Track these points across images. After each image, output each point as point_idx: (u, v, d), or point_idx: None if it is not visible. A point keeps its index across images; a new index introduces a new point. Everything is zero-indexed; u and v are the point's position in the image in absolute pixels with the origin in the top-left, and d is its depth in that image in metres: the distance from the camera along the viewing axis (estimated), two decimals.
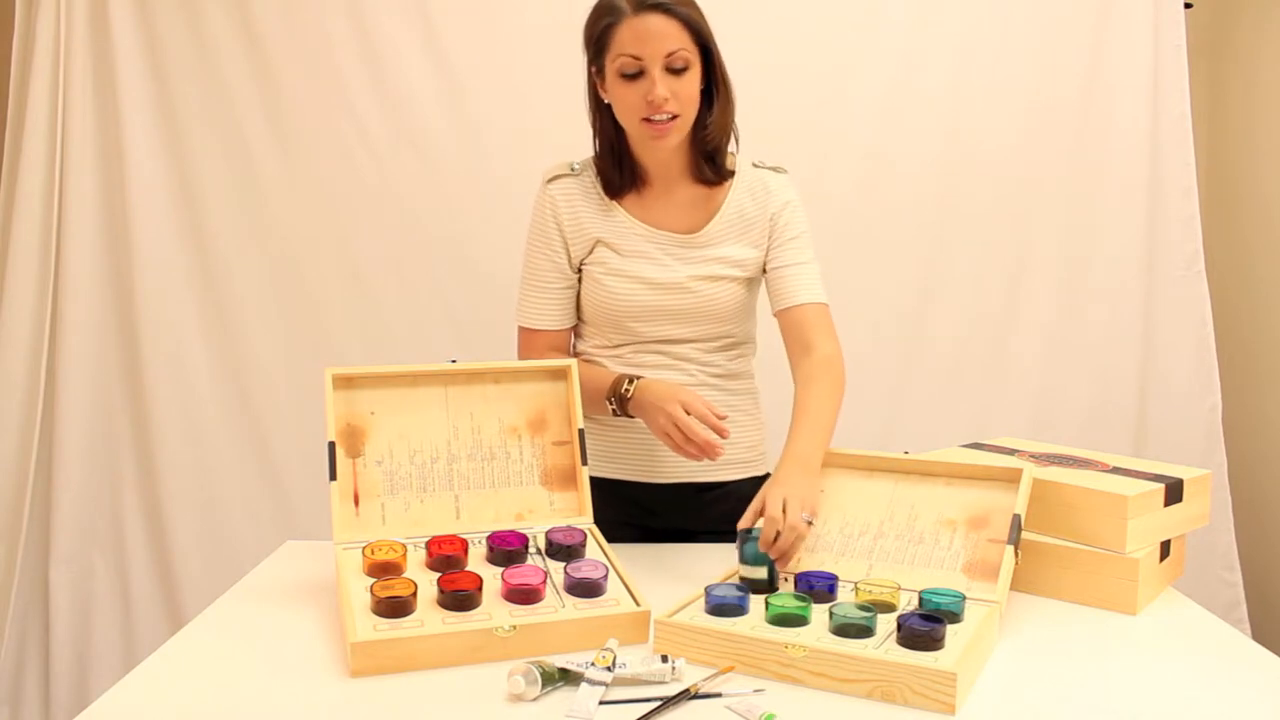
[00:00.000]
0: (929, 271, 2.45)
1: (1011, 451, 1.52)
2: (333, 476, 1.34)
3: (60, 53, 2.25)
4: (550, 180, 1.60)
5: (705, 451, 1.41)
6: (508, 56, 2.33)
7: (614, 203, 1.58)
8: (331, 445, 1.35)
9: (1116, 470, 1.42)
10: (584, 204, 1.58)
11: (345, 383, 1.38)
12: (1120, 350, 2.48)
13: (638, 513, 1.62)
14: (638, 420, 1.53)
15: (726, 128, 1.56)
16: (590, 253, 1.58)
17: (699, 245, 1.58)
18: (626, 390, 1.50)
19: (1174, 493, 1.37)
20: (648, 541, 1.59)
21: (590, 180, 1.59)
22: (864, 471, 1.46)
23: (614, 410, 1.52)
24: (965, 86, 2.41)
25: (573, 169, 1.60)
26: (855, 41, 2.38)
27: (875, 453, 1.46)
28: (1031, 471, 1.35)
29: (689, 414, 1.41)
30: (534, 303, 1.62)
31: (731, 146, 1.60)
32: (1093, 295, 2.47)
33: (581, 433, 1.44)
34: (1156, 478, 1.38)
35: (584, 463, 1.44)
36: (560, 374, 1.47)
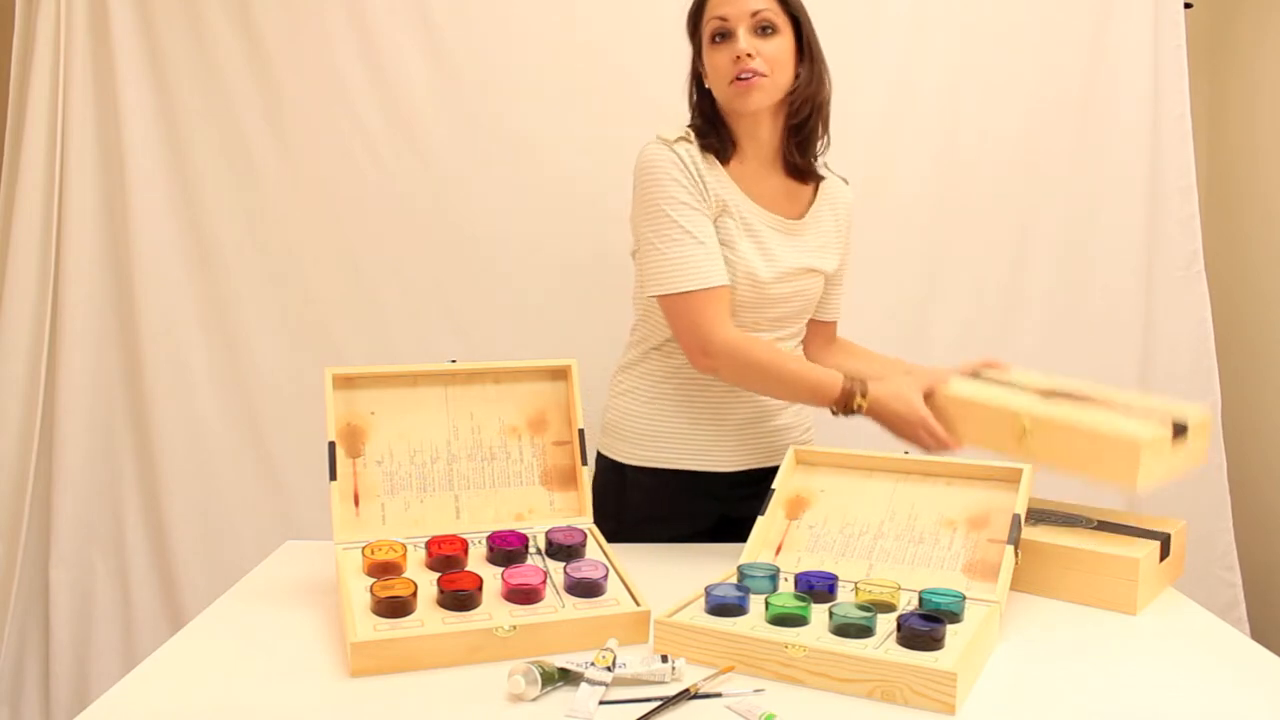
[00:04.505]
0: (928, 271, 2.45)
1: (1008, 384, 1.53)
2: (333, 476, 1.34)
3: (60, 53, 2.24)
4: (675, 140, 1.57)
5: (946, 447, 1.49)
6: (508, 56, 2.33)
7: (726, 175, 1.59)
8: (331, 445, 1.35)
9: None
10: (704, 168, 1.57)
11: (345, 383, 1.38)
12: (1119, 350, 2.48)
13: (708, 502, 1.66)
14: (716, 414, 1.64)
15: (814, 99, 1.59)
16: (717, 218, 1.57)
17: (799, 233, 1.64)
18: (859, 405, 1.53)
19: (1180, 432, 1.36)
20: (719, 530, 1.64)
21: (697, 149, 1.59)
22: (864, 471, 1.46)
23: (835, 411, 1.56)
24: (965, 86, 2.41)
25: (685, 133, 1.59)
26: (855, 41, 2.38)
27: (875, 453, 1.46)
28: (1031, 471, 1.35)
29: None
30: (702, 259, 1.51)
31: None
32: (1092, 295, 2.47)
33: (581, 432, 1.44)
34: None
35: (584, 463, 1.44)
36: (560, 374, 1.47)
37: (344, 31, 2.31)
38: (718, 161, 1.59)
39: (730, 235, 1.56)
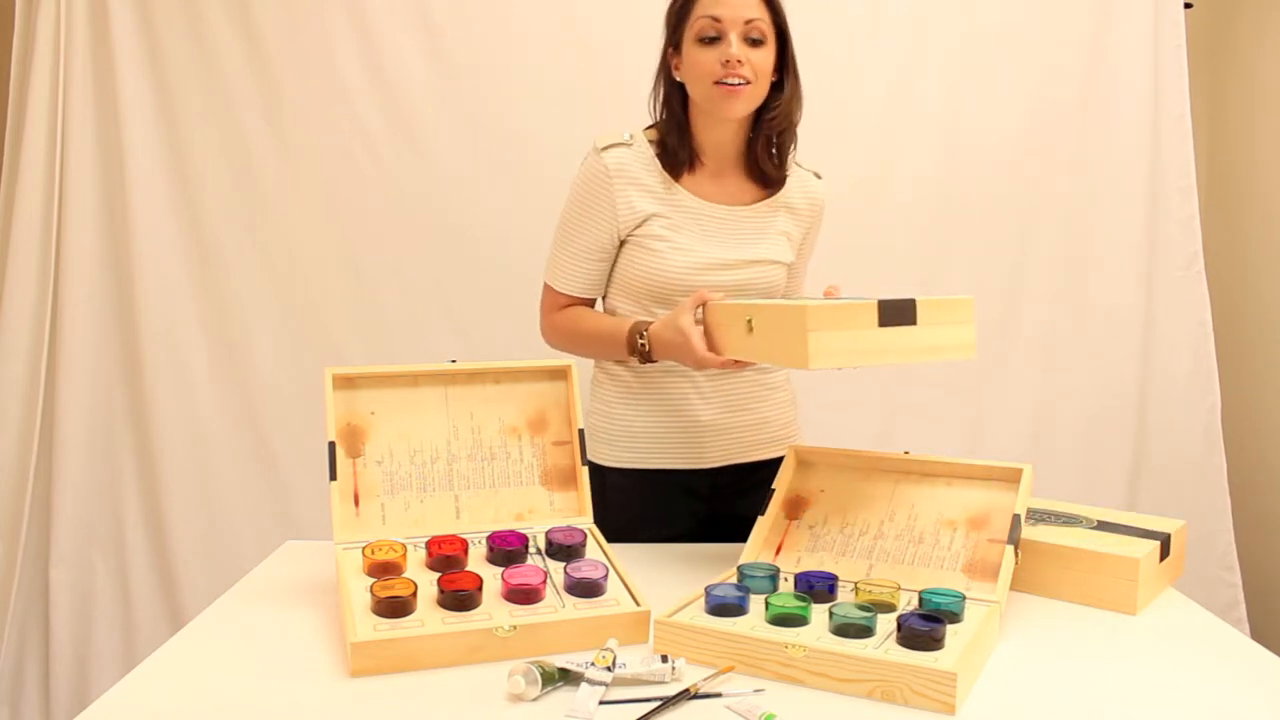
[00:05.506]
0: (929, 272, 2.45)
1: None
2: (333, 476, 1.34)
3: (60, 53, 2.25)
4: (604, 149, 1.58)
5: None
6: (508, 56, 2.33)
7: (670, 178, 1.59)
8: (331, 445, 1.35)
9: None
10: (640, 175, 1.58)
11: (345, 383, 1.38)
12: (1120, 351, 2.48)
13: (690, 501, 1.65)
14: (685, 410, 1.62)
15: (792, 116, 1.60)
16: (640, 226, 1.57)
17: (751, 219, 1.61)
18: (643, 345, 1.51)
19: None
20: (707, 529, 1.63)
21: (643, 150, 1.59)
22: (864, 471, 1.46)
23: (640, 360, 1.55)
24: (965, 87, 2.41)
25: (627, 138, 1.59)
26: (854, 43, 2.38)
27: (875, 452, 1.46)
28: (1032, 472, 1.35)
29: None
30: (565, 266, 1.63)
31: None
32: (1092, 295, 2.47)
33: (581, 432, 1.44)
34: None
35: (584, 462, 1.44)
36: (560, 374, 1.47)
37: (344, 31, 2.31)
38: (663, 169, 1.58)
39: (658, 232, 1.57)
